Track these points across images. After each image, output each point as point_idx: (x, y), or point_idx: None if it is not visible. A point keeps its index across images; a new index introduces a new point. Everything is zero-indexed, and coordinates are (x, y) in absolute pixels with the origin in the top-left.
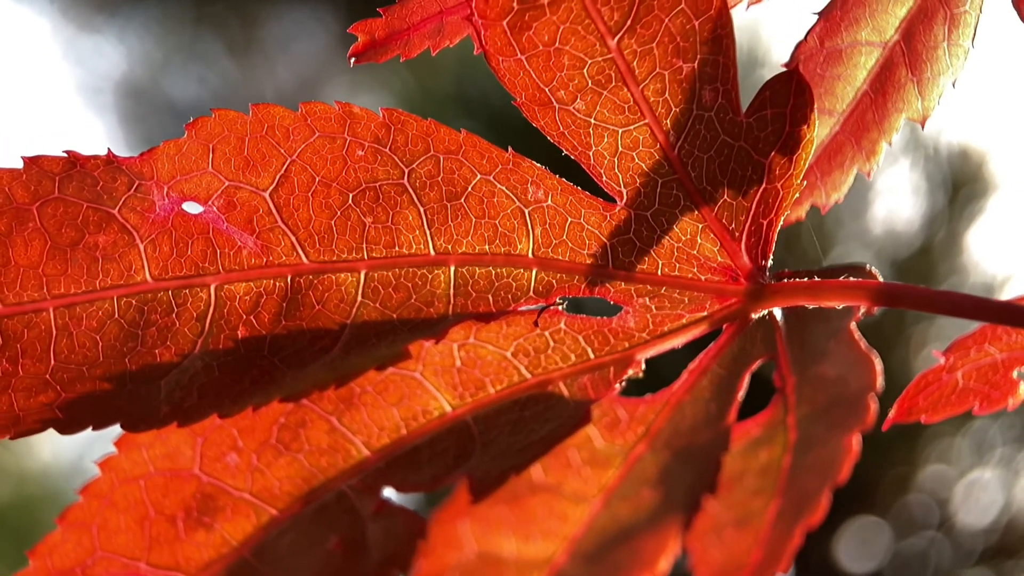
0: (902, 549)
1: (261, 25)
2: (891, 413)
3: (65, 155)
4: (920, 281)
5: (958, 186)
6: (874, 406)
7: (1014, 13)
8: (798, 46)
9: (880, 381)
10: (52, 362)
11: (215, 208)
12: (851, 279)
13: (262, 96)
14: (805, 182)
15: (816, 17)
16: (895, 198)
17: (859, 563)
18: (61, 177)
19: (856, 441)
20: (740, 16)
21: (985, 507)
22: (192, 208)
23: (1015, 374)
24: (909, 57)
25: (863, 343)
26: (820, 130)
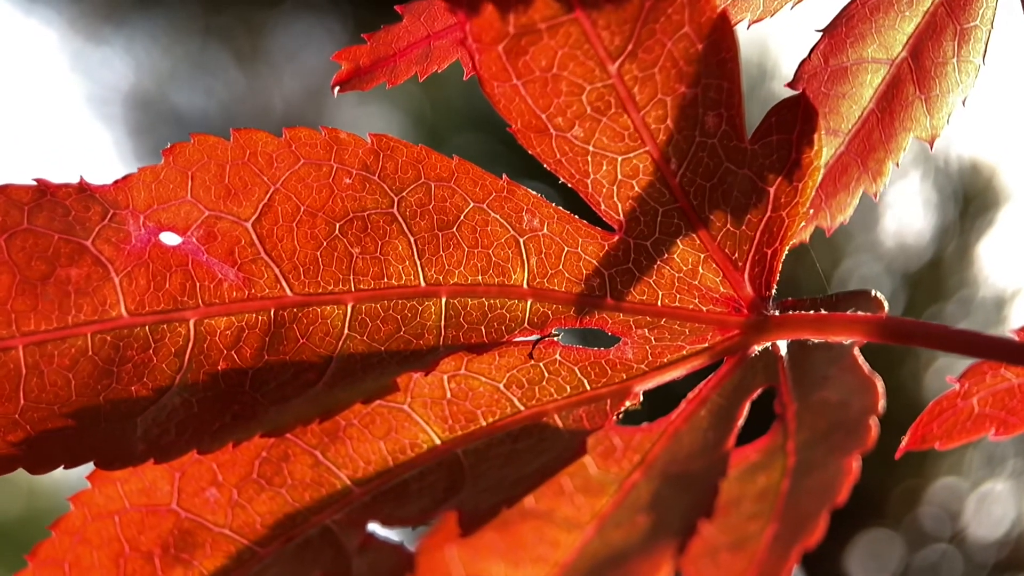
0: (914, 562)
1: (268, 35)
2: (904, 440)
3: (35, 183)
4: (931, 294)
5: (969, 198)
6: (875, 428)
7: None
8: (802, 64)
9: (882, 403)
10: (22, 401)
11: (194, 239)
12: (857, 312)
13: (270, 106)
14: (811, 210)
15: (820, 34)
16: (905, 210)
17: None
18: (30, 207)
19: (856, 463)
20: (749, 29)
21: (997, 520)
22: (170, 239)
23: None
24: (917, 74)
25: (866, 367)
26: (825, 151)
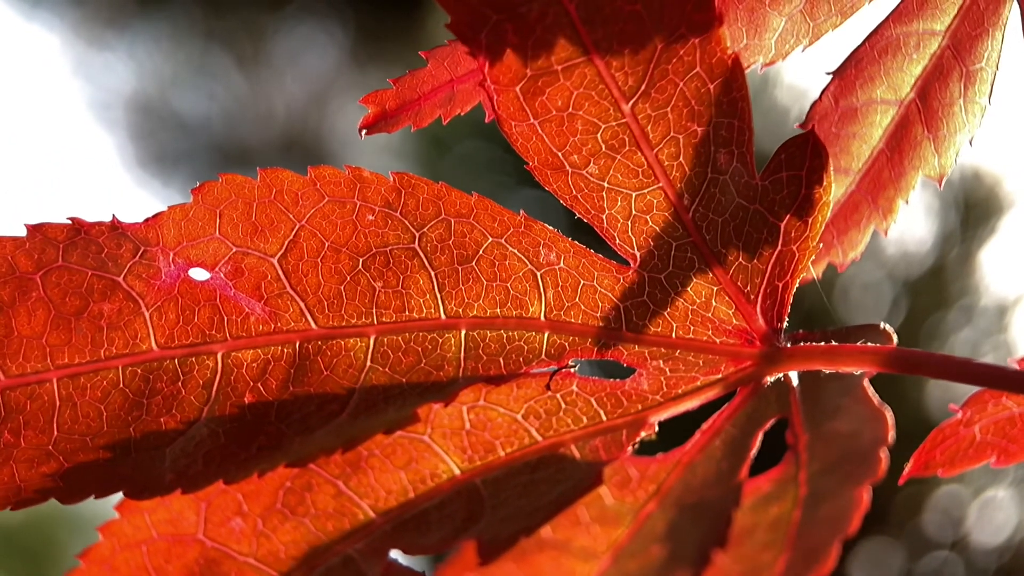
0: (916, 569)
1: (270, 39)
2: (908, 467)
3: (69, 222)
4: (932, 301)
5: (970, 206)
6: (885, 459)
7: None
8: (813, 106)
9: (892, 434)
10: (55, 433)
11: (222, 274)
12: (868, 344)
13: (272, 111)
14: (821, 244)
15: (830, 76)
16: (907, 218)
17: None
18: (65, 244)
19: (867, 494)
20: (761, 72)
21: (999, 526)
22: (199, 274)
23: None
24: (925, 115)
25: (876, 398)
26: (836, 189)
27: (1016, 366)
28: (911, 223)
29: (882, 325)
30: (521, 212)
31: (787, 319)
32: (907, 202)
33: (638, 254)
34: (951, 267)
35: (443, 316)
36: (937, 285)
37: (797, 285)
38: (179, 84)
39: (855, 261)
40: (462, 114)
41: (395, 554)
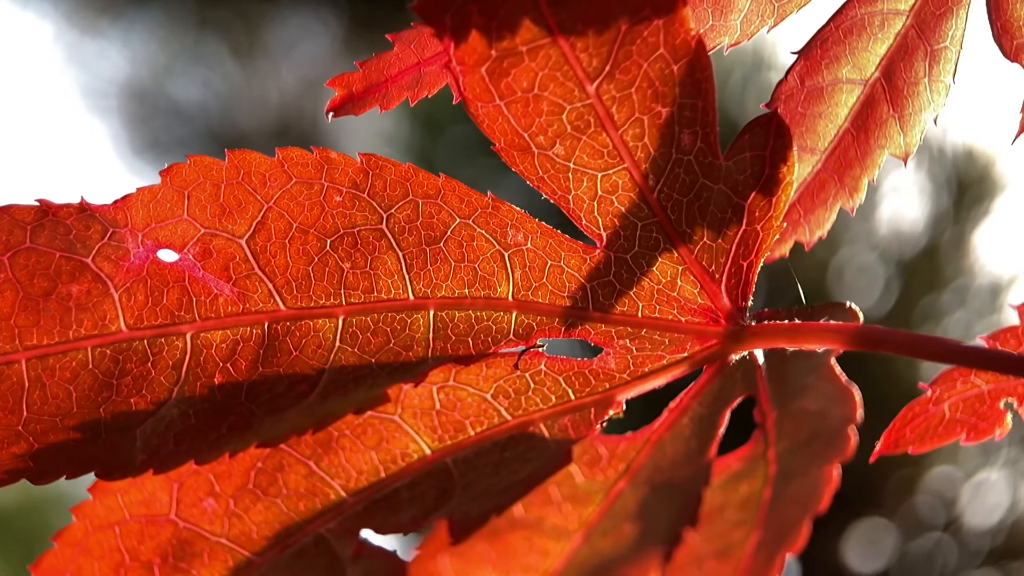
0: (909, 550)
1: (265, 28)
2: (878, 445)
3: (37, 203)
4: (926, 282)
5: (964, 187)
6: (854, 437)
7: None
8: (779, 85)
9: (860, 413)
10: (24, 414)
11: (191, 256)
12: (831, 322)
13: (266, 98)
14: (785, 224)
15: (796, 56)
16: (900, 199)
17: (866, 564)
18: (33, 226)
19: (836, 472)
20: (727, 53)
21: (991, 508)
22: (167, 256)
23: (1001, 404)
24: (890, 94)
25: (843, 377)
26: (803, 168)
27: (986, 345)
28: (904, 204)
29: (847, 303)
30: (488, 193)
31: (752, 297)
32: (873, 180)
33: (604, 234)
34: (945, 248)
35: (411, 297)
36: (931, 266)
37: (762, 264)
38: (173, 72)
39: (822, 239)
40: (429, 96)
41: (367, 533)
